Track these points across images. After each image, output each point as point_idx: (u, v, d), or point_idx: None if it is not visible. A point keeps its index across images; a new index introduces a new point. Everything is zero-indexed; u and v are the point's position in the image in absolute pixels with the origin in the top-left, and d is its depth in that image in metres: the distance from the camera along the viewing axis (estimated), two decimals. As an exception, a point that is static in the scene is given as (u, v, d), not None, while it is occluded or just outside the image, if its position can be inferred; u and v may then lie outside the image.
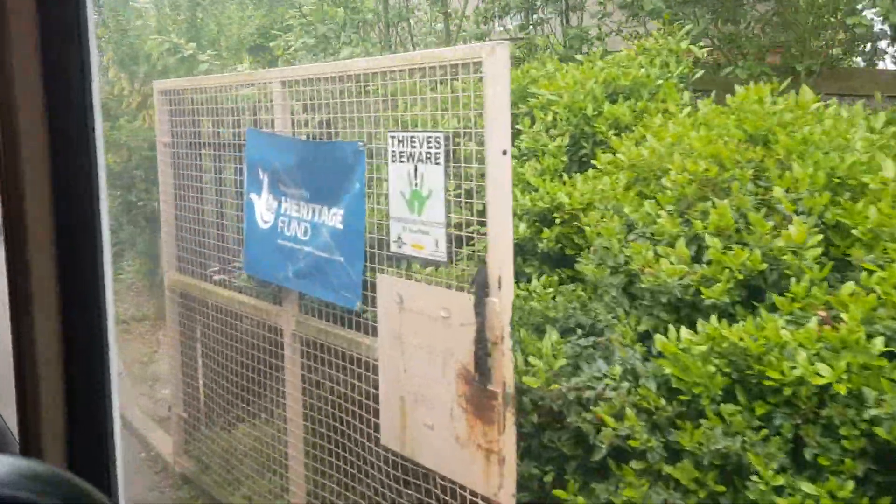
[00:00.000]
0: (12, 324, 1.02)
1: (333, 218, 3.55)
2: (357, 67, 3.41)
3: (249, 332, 4.46)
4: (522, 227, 3.42)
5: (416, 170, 3.08)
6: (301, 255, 3.75)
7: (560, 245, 3.37)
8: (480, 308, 2.81)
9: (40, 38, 0.96)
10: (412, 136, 3.09)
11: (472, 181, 2.93)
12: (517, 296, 2.99)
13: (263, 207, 4.04)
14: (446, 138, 2.96)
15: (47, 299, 1.00)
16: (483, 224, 2.85)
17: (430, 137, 3.01)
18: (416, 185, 3.09)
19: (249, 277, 4.36)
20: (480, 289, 2.81)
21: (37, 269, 0.99)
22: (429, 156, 3.02)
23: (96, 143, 1.05)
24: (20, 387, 1.02)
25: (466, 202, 2.96)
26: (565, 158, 3.65)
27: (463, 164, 2.94)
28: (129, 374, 7.97)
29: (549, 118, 3.78)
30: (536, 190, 3.52)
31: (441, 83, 3.06)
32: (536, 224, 3.47)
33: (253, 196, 4.10)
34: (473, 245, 2.94)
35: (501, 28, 7.12)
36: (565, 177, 3.53)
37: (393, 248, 3.23)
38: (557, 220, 3.36)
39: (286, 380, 4.08)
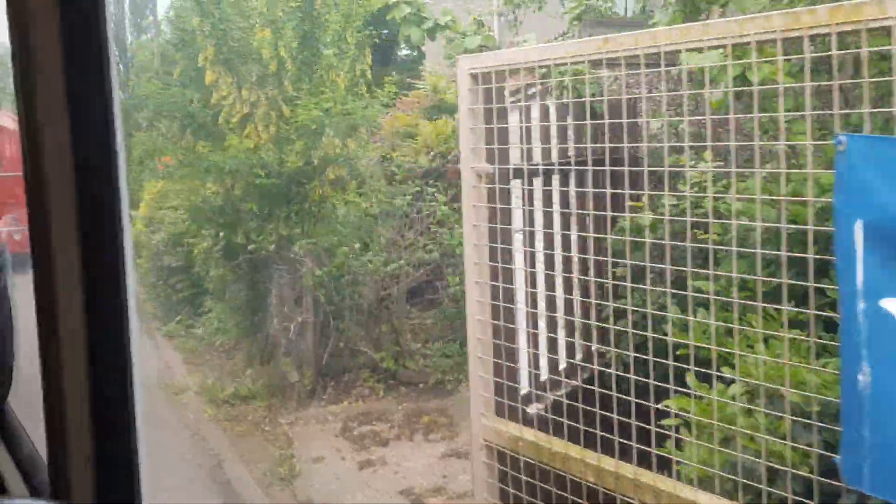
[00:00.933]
0: (41, 356, 1.02)
1: None
2: None
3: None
4: None
5: None
6: None
7: None
8: None
9: (63, 54, 0.95)
10: None
11: None
12: None
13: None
14: None
15: (74, 330, 0.98)
16: None
17: None
18: None
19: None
20: None
21: (63, 299, 0.98)
22: None
23: (118, 154, 1.01)
24: (49, 424, 1.02)
25: None
26: None
27: None
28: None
29: None
30: None
31: None
32: None
33: (891, 304, 1.66)
34: None
35: None
36: None
37: None
38: None
39: None
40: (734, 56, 2.17)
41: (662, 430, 2.42)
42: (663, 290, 2.29)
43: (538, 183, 2.89)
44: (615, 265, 2.85)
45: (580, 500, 2.49)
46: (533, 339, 2.86)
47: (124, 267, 0.98)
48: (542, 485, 2.61)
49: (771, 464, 2.03)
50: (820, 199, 2.01)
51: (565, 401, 2.61)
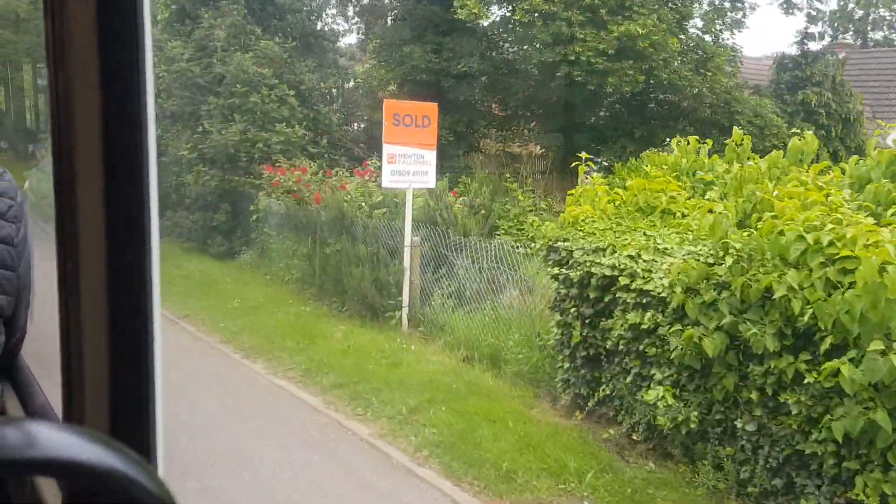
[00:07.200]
0: (60, 298, 1.03)
1: None
2: None
3: None
4: None
5: None
6: None
7: None
8: None
9: (98, 44, 0.94)
10: None
11: None
12: None
13: None
14: None
15: (95, 274, 0.99)
16: None
17: None
18: None
19: None
20: None
21: (86, 246, 0.98)
22: None
23: (149, 129, 0.98)
24: (66, 359, 1.04)
25: None
26: None
27: None
28: None
29: None
30: None
31: None
32: None
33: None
34: None
35: None
36: None
37: None
38: None
39: None
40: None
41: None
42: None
43: None
44: None
45: None
46: None
47: (148, 202, 0.94)
48: None
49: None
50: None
51: None
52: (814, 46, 21.61)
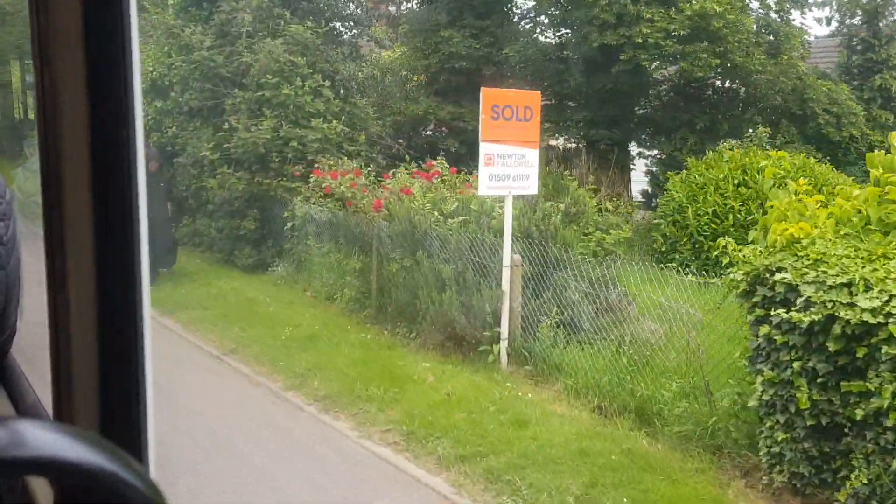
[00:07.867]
0: (49, 296, 1.00)
1: None
2: None
3: None
4: None
5: None
6: None
7: None
8: None
9: (84, 40, 0.92)
10: None
11: None
12: None
13: None
14: None
15: (84, 272, 0.97)
16: None
17: None
18: None
19: None
20: None
21: (74, 244, 0.97)
22: None
23: (136, 125, 0.97)
24: (55, 357, 1.01)
25: None
26: None
27: None
28: None
29: None
30: None
31: None
32: None
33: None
34: None
35: None
36: None
37: None
38: None
39: None
40: None
41: None
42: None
43: None
44: None
45: None
46: None
47: (137, 199, 0.95)
48: None
49: None
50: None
51: None
52: (821, 31, 20.07)
